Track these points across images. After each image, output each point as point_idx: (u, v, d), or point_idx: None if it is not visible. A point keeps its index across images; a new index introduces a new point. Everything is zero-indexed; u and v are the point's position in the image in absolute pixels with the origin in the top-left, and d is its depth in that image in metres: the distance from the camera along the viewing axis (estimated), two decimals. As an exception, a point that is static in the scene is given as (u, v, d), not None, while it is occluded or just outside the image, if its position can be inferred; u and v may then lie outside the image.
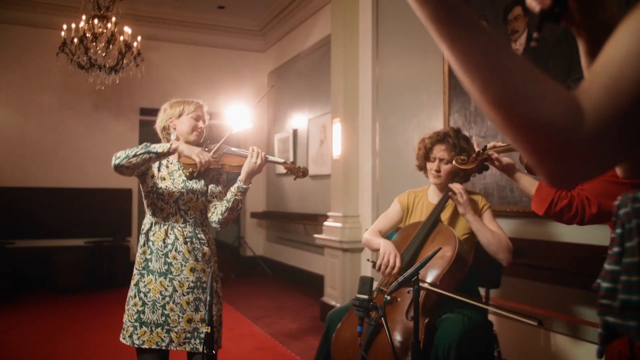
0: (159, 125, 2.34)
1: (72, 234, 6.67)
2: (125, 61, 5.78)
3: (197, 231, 2.20)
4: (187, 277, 2.14)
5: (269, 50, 7.93)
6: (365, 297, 1.75)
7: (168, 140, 2.30)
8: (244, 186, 2.15)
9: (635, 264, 0.61)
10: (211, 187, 2.26)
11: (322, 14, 6.10)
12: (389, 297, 1.70)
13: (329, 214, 5.03)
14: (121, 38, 5.71)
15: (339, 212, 4.82)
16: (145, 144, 2.09)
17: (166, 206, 2.18)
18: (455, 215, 2.37)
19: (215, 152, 2.23)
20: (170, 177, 2.22)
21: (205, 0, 7.00)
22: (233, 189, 2.17)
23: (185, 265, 2.14)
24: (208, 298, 1.66)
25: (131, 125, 7.35)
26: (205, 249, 2.20)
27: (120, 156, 2.08)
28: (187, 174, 2.19)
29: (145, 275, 2.15)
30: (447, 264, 2.08)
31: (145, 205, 2.23)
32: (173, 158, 2.27)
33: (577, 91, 0.54)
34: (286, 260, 7.27)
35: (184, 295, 2.12)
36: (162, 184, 2.19)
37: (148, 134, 7.20)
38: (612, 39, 0.53)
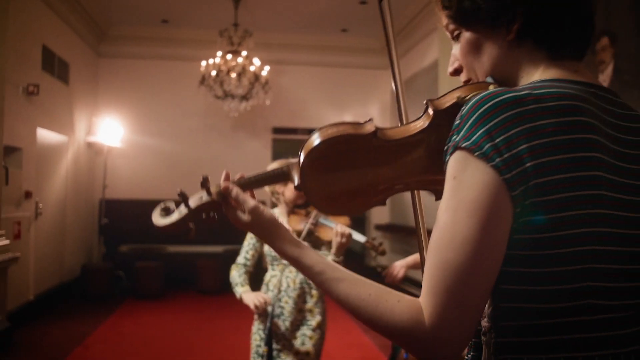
0: (268, 188, 2.78)
1: (213, 242, 7.54)
2: (254, 90, 6.48)
3: (307, 277, 2.63)
4: (296, 317, 2.57)
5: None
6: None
7: (279, 201, 2.73)
8: (336, 259, 2.51)
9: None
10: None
11: (435, 37, 6.23)
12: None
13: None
14: (251, 68, 6.40)
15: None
16: (235, 284, 2.57)
17: (281, 261, 2.64)
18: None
19: (314, 218, 2.60)
20: None
21: (329, 26, 7.49)
22: (328, 258, 2.57)
23: (294, 307, 2.57)
24: (268, 324, 2.05)
25: (265, 143, 8.10)
26: (314, 292, 2.61)
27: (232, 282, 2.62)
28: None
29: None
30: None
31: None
32: (282, 220, 2.73)
33: (421, 296, 0.70)
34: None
35: (292, 332, 2.55)
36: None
37: (280, 151, 7.98)
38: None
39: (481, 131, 0.67)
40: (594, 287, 0.69)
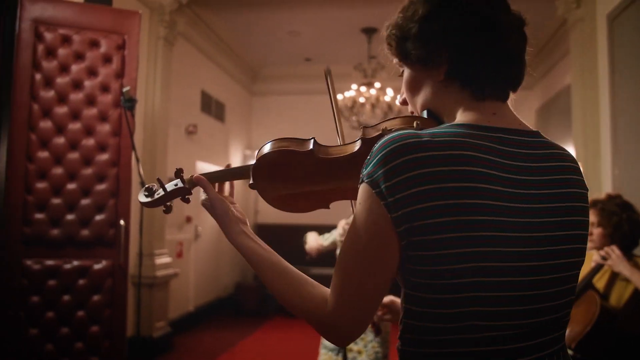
0: None
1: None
2: (388, 118, 6.73)
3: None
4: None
5: (535, 86, 7.87)
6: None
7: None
8: None
9: None
10: None
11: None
12: None
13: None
14: (386, 99, 6.66)
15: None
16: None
17: None
18: (613, 281, 2.34)
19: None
20: None
21: (465, 50, 7.49)
22: None
23: None
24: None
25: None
26: None
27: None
28: None
29: None
30: (582, 330, 2.13)
31: None
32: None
33: (330, 290, 0.86)
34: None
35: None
36: None
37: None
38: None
39: (381, 171, 0.77)
40: (479, 311, 0.79)
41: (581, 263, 0.90)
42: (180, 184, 1.09)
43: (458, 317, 0.79)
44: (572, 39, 4.97)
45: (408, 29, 0.91)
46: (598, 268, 2.35)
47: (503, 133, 0.85)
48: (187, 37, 5.92)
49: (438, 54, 0.88)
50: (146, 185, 1.15)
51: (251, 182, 1.04)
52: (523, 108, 7.98)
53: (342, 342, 0.88)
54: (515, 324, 0.81)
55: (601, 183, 4.61)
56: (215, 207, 1.05)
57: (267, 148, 1.02)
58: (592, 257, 2.51)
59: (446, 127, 0.85)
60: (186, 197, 1.11)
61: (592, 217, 2.43)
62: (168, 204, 1.12)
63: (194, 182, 1.09)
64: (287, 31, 6.74)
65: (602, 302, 2.21)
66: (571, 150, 6.21)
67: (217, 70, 7.05)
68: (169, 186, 1.10)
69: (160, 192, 1.11)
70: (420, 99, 0.96)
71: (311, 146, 0.98)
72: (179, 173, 1.09)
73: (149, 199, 1.12)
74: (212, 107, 6.85)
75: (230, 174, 1.08)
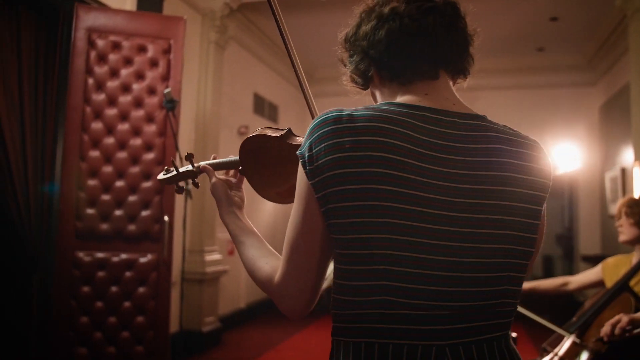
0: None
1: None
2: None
3: None
4: None
5: (599, 82, 7.51)
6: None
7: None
8: None
9: None
10: None
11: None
12: None
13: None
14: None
15: None
16: None
17: None
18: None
19: None
20: None
21: (524, 46, 7.25)
22: None
23: None
24: None
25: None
26: None
27: None
28: None
29: None
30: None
31: None
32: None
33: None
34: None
35: None
36: None
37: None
38: None
39: (307, 143, 0.85)
40: (390, 286, 0.80)
41: (524, 252, 0.88)
42: (190, 167, 1.27)
43: (371, 290, 0.81)
44: (632, 31, 4.73)
45: (343, 60, 1.04)
46: (636, 270, 2.24)
47: (429, 112, 0.88)
48: (239, 41, 6.10)
49: (363, 64, 0.97)
50: (166, 167, 1.33)
51: (240, 167, 1.17)
52: (585, 104, 7.66)
53: (291, 314, 0.92)
54: (432, 305, 0.81)
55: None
56: (215, 189, 1.19)
57: (248, 137, 1.12)
58: (631, 260, 2.41)
59: (375, 105, 0.91)
60: (195, 181, 1.29)
61: (622, 209, 2.37)
62: (180, 185, 1.29)
63: (201, 169, 1.25)
64: (339, 32, 6.79)
65: (638, 305, 2.11)
66: (630, 150, 5.91)
67: (270, 73, 7.20)
68: (182, 168, 1.28)
69: (174, 172, 1.29)
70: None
71: (283, 133, 1.07)
72: (189, 157, 1.26)
73: (163, 177, 1.31)
74: (264, 108, 7.00)
75: (230, 163, 1.22)
